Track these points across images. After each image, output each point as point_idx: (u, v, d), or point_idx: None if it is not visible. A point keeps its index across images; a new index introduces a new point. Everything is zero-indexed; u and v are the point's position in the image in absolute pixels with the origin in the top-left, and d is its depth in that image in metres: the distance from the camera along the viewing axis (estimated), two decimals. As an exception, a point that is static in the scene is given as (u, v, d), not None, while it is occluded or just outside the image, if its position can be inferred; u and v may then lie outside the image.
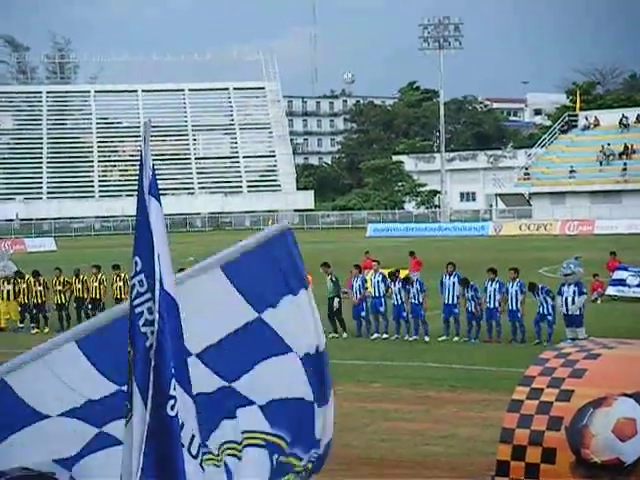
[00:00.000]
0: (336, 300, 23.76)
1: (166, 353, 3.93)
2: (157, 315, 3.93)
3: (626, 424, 4.55)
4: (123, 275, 25.41)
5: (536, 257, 40.22)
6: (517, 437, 4.74)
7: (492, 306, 22.25)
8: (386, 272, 24.75)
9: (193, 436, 4.06)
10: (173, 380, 3.95)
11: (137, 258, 3.97)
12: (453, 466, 12.01)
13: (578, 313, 20.48)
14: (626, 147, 75.92)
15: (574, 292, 20.43)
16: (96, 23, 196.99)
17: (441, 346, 21.77)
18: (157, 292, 3.94)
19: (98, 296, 25.59)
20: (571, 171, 76.46)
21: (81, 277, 26.12)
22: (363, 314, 23.65)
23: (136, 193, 4.12)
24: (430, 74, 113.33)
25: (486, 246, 56.10)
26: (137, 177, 4.09)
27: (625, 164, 74.61)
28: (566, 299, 20.47)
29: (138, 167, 4.07)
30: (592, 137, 79.69)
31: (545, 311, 21.62)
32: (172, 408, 3.95)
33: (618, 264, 30.10)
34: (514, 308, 21.92)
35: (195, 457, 4.08)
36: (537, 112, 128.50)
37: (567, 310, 20.50)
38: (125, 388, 4.03)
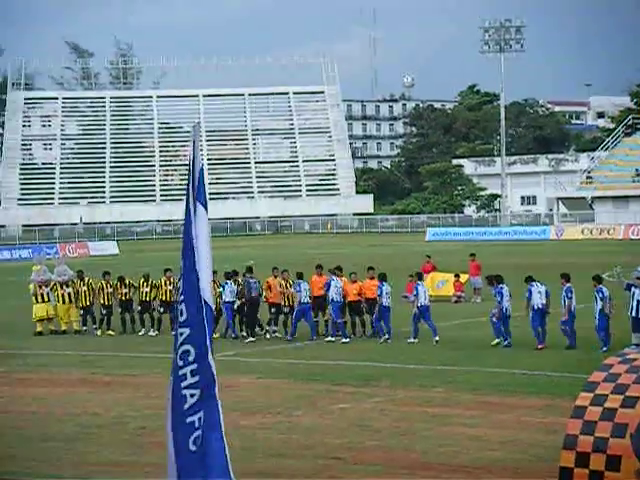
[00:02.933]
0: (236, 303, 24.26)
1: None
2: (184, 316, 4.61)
3: (693, 431, 4.47)
4: (173, 279, 25.61)
5: (598, 262, 39.64)
6: (581, 444, 4.68)
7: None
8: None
9: (197, 437, 4.93)
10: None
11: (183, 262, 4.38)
12: (515, 472, 11.89)
13: None
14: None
15: None
16: (158, 28, 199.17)
17: (501, 351, 21.58)
18: (192, 296, 4.47)
19: (170, 299, 25.54)
20: (635, 175, 75.28)
21: (150, 280, 26.34)
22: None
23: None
24: (491, 77, 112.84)
25: (546, 250, 55.47)
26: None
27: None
28: (638, 302, 19.70)
29: (188, 173, 4.29)
30: (657, 140, 78.44)
31: (594, 313, 20.94)
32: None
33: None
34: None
35: (194, 453, 4.81)
36: (600, 115, 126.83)
37: (637, 314, 19.67)
38: None
